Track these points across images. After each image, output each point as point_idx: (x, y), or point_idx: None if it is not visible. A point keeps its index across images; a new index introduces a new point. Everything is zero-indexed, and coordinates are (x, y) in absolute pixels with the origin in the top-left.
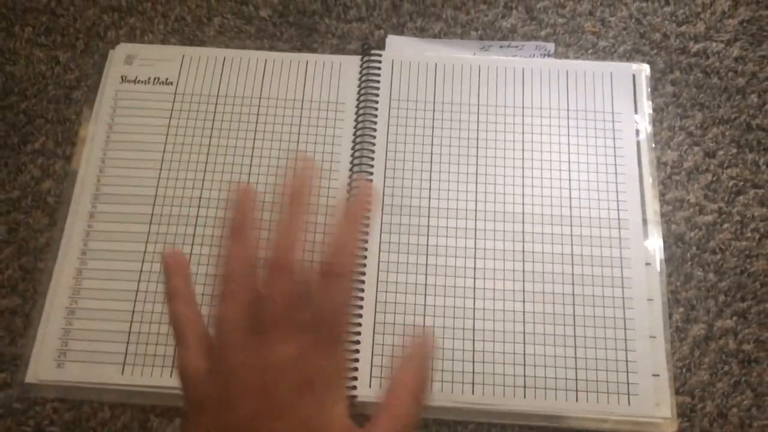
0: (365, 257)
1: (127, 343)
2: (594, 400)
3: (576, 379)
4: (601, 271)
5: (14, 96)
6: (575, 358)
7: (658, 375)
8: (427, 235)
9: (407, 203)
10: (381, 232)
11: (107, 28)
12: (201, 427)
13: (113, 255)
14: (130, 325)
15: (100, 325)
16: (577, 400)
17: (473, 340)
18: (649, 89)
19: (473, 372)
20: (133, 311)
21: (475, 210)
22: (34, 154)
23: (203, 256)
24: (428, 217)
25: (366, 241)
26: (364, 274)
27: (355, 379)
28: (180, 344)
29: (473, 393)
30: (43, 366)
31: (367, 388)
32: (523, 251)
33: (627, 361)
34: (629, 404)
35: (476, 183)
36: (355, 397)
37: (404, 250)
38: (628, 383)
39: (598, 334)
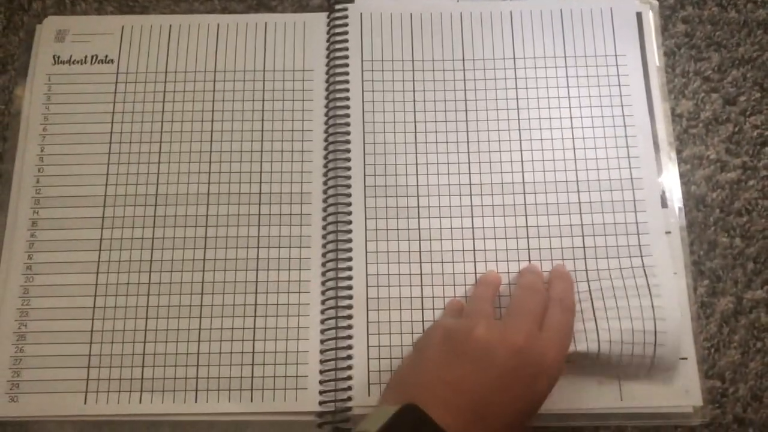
0: (350, 249)
1: (88, 367)
2: (616, 392)
3: (594, 367)
4: (615, 241)
5: None
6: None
7: (685, 358)
8: (418, 218)
9: (392, 183)
10: (366, 218)
11: None
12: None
13: (63, 268)
14: (90, 346)
15: (55, 349)
16: (597, 394)
17: None
18: (659, 29)
19: None
20: (92, 331)
21: (470, 184)
22: None
23: (165, 261)
24: (417, 196)
25: (350, 232)
26: (350, 269)
27: (350, 389)
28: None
29: None
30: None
31: (365, 397)
32: (527, 226)
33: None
34: (655, 394)
35: (468, 152)
36: (349, 409)
37: (393, 237)
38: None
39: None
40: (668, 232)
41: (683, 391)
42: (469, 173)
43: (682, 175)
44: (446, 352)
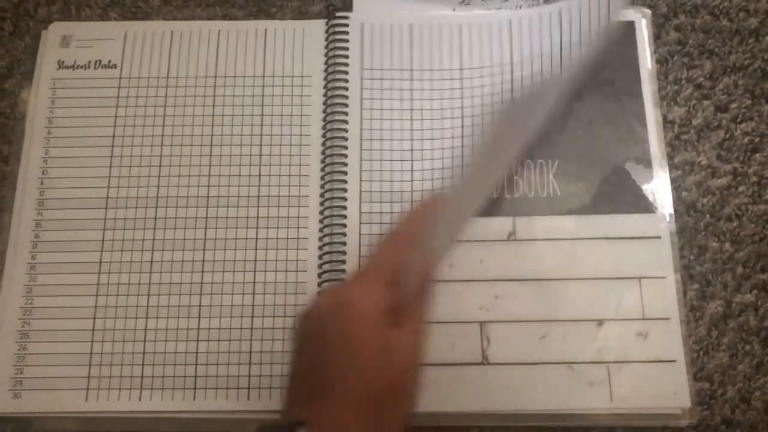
0: (344, 252)
1: (90, 365)
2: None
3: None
4: None
5: None
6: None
7: (674, 361)
8: None
9: (388, 189)
10: (360, 223)
11: (38, 4)
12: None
13: (66, 268)
14: (91, 345)
15: (57, 347)
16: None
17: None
18: (651, 37)
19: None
20: (93, 330)
21: None
22: None
23: (165, 262)
24: (411, 202)
25: (344, 235)
26: (344, 272)
27: None
28: None
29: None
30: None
31: None
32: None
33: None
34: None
35: (463, 160)
36: None
37: None
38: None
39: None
40: (658, 237)
41: (672, 393)
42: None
43: (673, 181)
44: None
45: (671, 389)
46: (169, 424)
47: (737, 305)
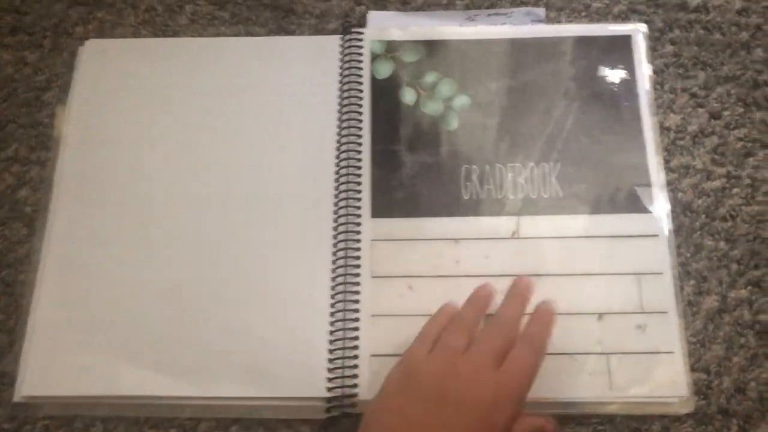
0: (359, 249)
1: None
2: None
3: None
4: None
5: None
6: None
7: (671, 352)
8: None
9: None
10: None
11: (75, 23)
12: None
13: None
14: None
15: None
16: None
17: None
18: (648, 50)
19: None
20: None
21: None
22: (8, 162)
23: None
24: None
25: (359, 218)
26: (359, 267)
27: (356, 377)
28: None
29: None
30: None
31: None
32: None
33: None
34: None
35: None
36: (356, 395)
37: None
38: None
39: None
40: (656, 235)
41: (669, 383)
42: None
43: (669, 183)
44: (405, 394)
45: (669, 379)
46: (191, 410)
47: (732, 300)
